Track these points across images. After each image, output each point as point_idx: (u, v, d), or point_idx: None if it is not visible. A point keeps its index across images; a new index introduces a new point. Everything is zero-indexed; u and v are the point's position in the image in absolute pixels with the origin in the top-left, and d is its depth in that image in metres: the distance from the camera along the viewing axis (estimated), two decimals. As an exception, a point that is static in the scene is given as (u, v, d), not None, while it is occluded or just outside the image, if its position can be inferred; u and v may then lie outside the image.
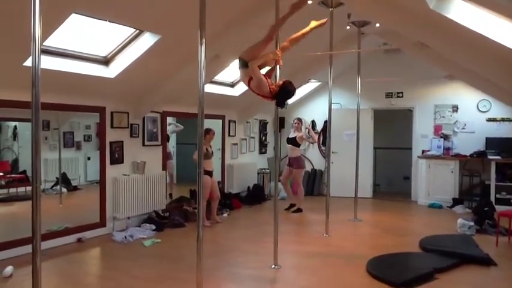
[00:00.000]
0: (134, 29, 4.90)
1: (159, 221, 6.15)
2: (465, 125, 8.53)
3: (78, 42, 4.80)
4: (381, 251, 4.99)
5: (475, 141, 8.29)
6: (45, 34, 3.95)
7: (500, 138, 8.09)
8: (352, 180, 7.13)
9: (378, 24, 6.41)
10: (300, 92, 9.61)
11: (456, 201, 7.90)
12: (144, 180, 6.24)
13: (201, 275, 3.38)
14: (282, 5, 4.30)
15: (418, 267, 4.43)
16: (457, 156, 8.23)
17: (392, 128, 9.85)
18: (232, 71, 7.22)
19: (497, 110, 8.29)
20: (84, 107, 5.51)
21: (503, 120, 8.26)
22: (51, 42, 4.41)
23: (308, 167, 9.87)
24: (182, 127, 8.30)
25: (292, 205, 7.74)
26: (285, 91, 3.99)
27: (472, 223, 6.06)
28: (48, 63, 4.40)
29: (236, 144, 8.80)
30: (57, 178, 6.07)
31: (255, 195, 8.55)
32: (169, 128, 7.70)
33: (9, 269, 4.13)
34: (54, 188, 6.09)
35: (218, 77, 7.13)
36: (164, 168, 6.83)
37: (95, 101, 5.57)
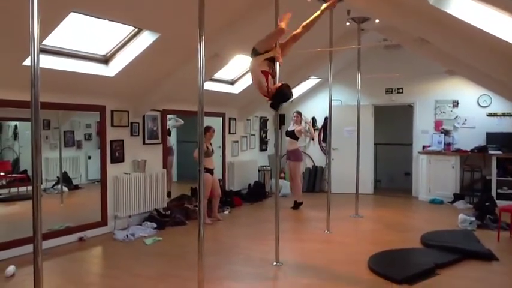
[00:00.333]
0: (133, 27, 4.89)
1: (161, 219, 6.15)
2: (466, 120, 8.52)
3: (77, 41, 4.79)
4: (382, 247, 5.00)
5: (476, 136, 8.28)
6: (44, 33, 3.94)
7: (501, 133, 8.08)
8: (352, 176, 7.12)
9: (377, 20, 6.39)
10: (300, 89, 9.61)
11: (457, 197, 7.89)
12: (144, 178, 6.24)
13: (202, 273, 3.38)
14: (281, 3, 4.29)
15: (420, 263, 4.43)
16: (457, 151, 8.21)
17: (392, 124, 9.84)
18: (232, 68, 7.21)
19: (497, 105, 8.28)
20: (84, 106, 5.51)
21: (503, 115, 8.24)
22: (50, 41, 4.40)
23: (309, 164, 9.89)
24: (183, 122, 8.28)
25: (298, 204, 7.61)
26: (281, 94, 4.03)
27: (473, 218, 6.06)
28: (47, 62, 4.39)
29: (237, 141, 8.80)
30: (58, 177, 6.09)
31: (256, 193, 8.54)
32: (169, 123, 7.67)
33: (11, 268, 4.14)
34: (55, 187, 6.10)
35: (218, 75, 7.11)
36: (165, 166, 6.83)
37: (94, 99, 5.57)
